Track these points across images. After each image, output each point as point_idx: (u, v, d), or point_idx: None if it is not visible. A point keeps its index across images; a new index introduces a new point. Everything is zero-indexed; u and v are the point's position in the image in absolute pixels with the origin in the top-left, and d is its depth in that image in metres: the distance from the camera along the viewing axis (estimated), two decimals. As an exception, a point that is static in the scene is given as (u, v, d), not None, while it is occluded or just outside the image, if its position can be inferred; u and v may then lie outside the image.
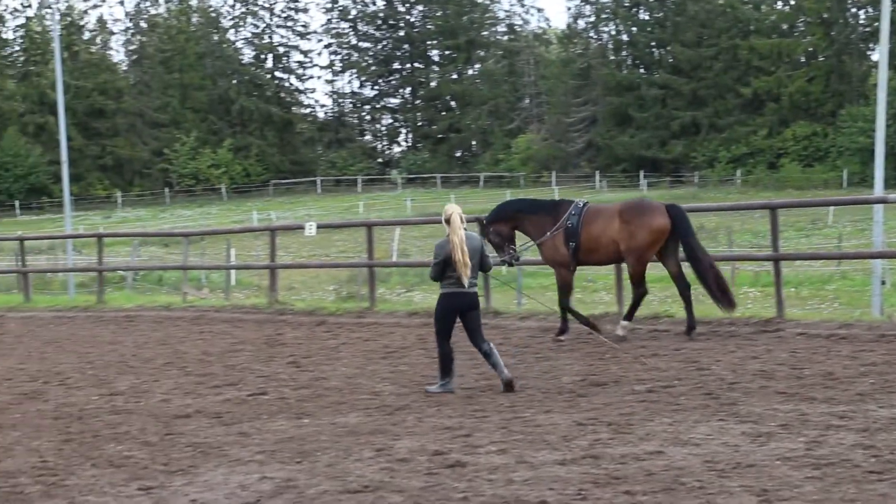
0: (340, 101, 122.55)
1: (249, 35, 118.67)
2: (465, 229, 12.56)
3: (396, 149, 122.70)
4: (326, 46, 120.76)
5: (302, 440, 10.07)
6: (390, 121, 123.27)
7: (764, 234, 40.19)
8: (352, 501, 7.99)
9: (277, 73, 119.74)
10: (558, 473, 8.47)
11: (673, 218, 15.84)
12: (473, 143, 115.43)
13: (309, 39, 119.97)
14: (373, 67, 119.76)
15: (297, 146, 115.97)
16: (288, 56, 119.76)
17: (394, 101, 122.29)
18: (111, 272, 36.84)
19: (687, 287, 16.11)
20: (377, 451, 9.49)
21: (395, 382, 13.12)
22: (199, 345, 17.76)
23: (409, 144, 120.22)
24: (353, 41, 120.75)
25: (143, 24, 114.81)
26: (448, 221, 12.44)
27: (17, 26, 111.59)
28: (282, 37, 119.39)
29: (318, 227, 23.52)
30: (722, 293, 15.82)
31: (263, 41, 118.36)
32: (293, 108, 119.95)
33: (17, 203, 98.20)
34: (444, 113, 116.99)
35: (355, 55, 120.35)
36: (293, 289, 35.79)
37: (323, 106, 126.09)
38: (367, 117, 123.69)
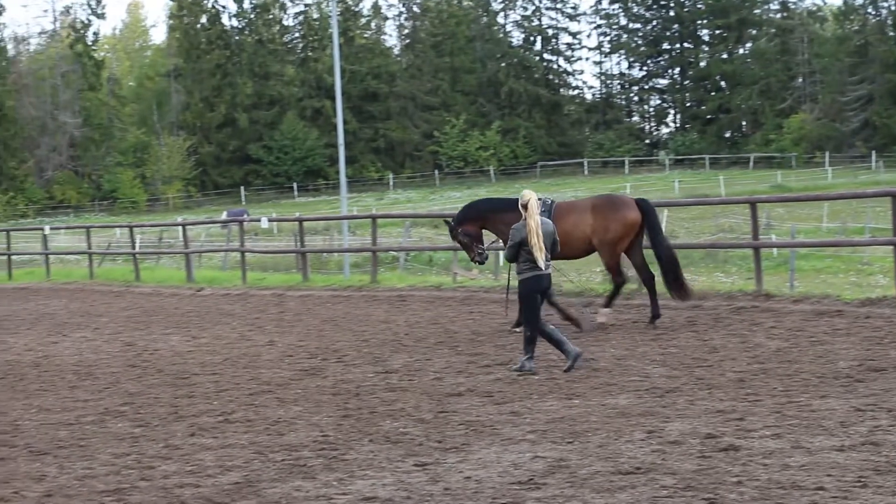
0: (608, 82, 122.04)
1: (519, 18, 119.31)
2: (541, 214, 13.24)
3: (664, 130, 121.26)
4: (595, 28, 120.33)
5: (573, 420, 10.12)
6: (658, 102, 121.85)
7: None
8: (623, 482, 7.98)
9: (546, 55, 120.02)
10: (836, 460, 8.25)
11: (643, 212, 16.50)
12: (743, 123, 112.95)
13: (578, 21, 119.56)
14: (642, 48, 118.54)
15: (564, 128, 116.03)
16: (556, 38, 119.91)
17: (662, 82, 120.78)
18: (384, 252, 37.75)
19: (651, 277, 16.87)
20: (648, 432, 9.46)
21: (665, 364, 13.01)
22: (469, 325, 18.01)
23: (678, 125, 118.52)
24: (623, 22, 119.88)
25: (416, 9, 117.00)
26: (525, 207, 13.06)
27: (297, 13, 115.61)
28: (551, 19, 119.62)
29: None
30: (677, 284, 16.46)
31: (532, 23, 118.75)
32: (561, 90, 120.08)
33: (294, 185, 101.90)
34: (713, 93, 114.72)
35: (624, 36, 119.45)
36: (560, 269, 35.80)
37: (591, 87, 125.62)
38: (635, 98, 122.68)
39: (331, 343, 16.49)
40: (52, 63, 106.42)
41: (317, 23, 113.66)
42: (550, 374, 12.75)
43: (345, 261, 36.35)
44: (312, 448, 9.48)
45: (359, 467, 8.78)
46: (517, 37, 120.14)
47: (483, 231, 17.82)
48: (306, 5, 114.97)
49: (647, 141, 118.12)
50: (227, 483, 8.41)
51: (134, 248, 37.65)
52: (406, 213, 51.68)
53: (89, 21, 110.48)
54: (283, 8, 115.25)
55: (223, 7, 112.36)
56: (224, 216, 62.42)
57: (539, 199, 15.28)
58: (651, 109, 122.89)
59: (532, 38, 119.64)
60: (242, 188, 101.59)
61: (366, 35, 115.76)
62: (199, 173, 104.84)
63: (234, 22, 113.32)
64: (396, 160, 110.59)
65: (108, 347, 17.33)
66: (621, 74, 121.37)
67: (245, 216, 40.30)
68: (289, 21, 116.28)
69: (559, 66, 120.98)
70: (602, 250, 16.93)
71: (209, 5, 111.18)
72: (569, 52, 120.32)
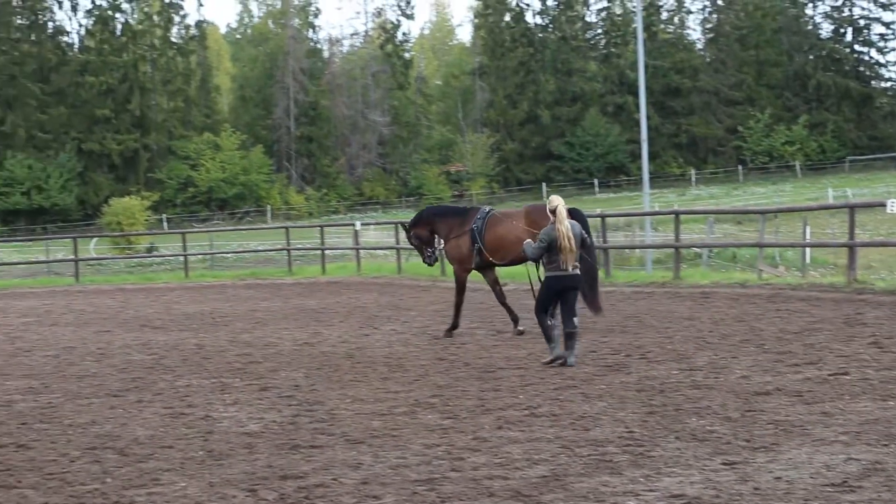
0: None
1: (828, 9, 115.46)
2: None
3: None
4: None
5: (888, 423, 9.77)
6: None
7: None
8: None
9: (856, 47, 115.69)
10: None
11: (575, 220, 15.99)
12: None
13: (892, 10, 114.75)
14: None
15: (875, 121, 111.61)
16: (868, 28, 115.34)
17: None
18: (686, 249, 37.34)
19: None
20: (970, 440, 9.03)
21: None
22: (775, 322, 17.63)
23: None
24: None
25: (721, 2, 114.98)
26: (553, 212, 14.06)
27: (600, 10, 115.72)
28: (862, 9, 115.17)
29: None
30: (593, 296, 16.93)
31: (843, 14, 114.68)
32: (872, 83, 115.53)
33: (596, 181, 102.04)
34: None
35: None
36: (871, 267, 34.57)
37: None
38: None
39: (634, 339, 16.46)
40: (363, 63, 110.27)
41: (619, 18, 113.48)
42: (863, 374, 12.34)
43: (647, 257, 36.17)
44: (618, 444, 9.51)
45: (665, 464, 8.75)
46: (826, 28, 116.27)
47: (434, 235, 19.30)
48: (609, 1, 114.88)
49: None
50: (534, 476, 8.54)
51: (437, 244, 38.50)
52: (709, 210, 50.91)
53: (399, 22, 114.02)
54: (585, 4, 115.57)
55: (527, 5, 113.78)
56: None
57: (479, 209, 18.71)
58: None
59: (842, 30, 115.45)
60: (544, 184, 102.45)
61: (669, 30, 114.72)
62: (501, 170, 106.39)
63: (538, 19, 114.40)
64: (699, 156, 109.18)
65: (417, 340, 17.85)
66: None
67: (547, 212, 40.49)
68: (591, 17, 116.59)
69: (871, 57, 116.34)
70: None
71: (513, 4, 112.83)
72: (881, 43, 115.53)
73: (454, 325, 18.38)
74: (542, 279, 14.40)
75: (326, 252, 41.44)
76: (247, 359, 16.25)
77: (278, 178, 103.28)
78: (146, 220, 79.81)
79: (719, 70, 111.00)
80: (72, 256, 43.07)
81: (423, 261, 19.79)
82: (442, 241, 19.27)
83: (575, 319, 14.03)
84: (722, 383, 12.30)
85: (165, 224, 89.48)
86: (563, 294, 14.10)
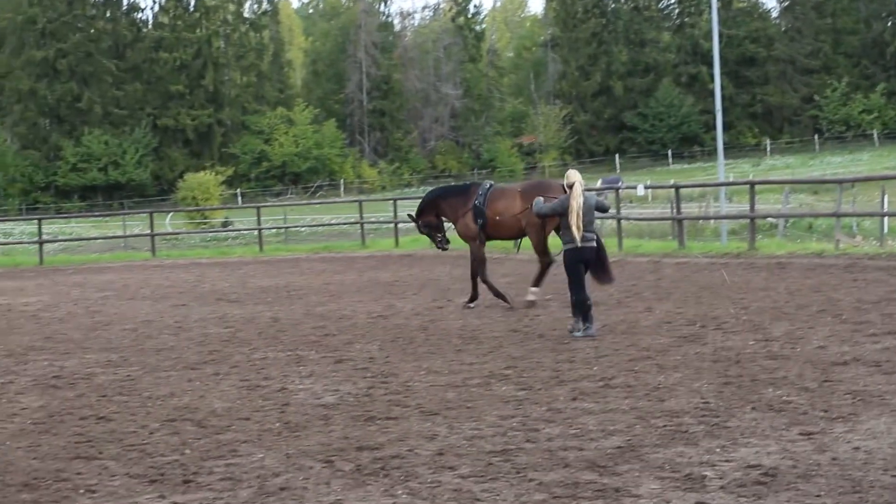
0: None
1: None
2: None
3: None
4: None
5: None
6: None
7: None
8: None
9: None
10: None
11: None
12: None
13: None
14: None
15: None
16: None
17: None
18: (762, 219, 36.98)
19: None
20: None
21: None
22: (853, 292, 17.45)
23: None
24: None
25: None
26: (570, 187, 14.52)
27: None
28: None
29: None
30: (603, 269, 15.99)
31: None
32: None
33: (669, 152, 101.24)
34: None
35: None
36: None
37: None
38: None
39: (709, 310, 16.37)
40: (434, 36, 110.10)
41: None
42: (943, 345, 12.18)
43: (722, 228, 35.88)
44: (694, 415, 9.47)
45: (741, 435, 8.70)
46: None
47: (442, 218, 19.62)
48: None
49: None
50: (609, 447, 8.53)
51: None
52: (785, 179, 50.38)
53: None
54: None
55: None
56: (599, 184, 62.78)
57: (480, 185, 18.99)
58: None
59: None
60: (617, 156, 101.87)
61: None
62: (574, 142, 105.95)
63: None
64: (774, 125, 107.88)
65: (490, 312, 17.87)
66: None
67: (620, 183, 40.44)
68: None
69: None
70: (529, 230, 18.30)
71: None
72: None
73: (474, 297, 18.77)
74: (563, 253, 14.77)
75: (399, 225, 41.52)
76: (322, 331, 16.37)
77: (351, 151, 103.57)
78: (220, 195, 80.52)
79: (795, 38, 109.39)
80: (148, 231, 43.53)
81: (437, 247, 20.30)
82: (452, 223, 19.62)
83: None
84: (799, 354, 12.21)
85: (240, 198, 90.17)
86: (587, 266, 14.69)
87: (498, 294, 18.43)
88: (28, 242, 48.57)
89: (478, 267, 18.79)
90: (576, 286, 14.44)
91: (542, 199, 15.74)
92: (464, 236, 19.27)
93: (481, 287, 18.91)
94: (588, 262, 14.63)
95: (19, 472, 8.58)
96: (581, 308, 14.40)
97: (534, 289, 18.28)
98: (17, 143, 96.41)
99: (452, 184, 23.09)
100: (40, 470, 8.64)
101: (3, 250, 47.93)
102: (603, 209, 15.32)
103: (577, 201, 14.37)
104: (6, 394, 12.10)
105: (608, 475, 7.75)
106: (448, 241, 20.19)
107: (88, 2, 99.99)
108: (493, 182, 19.71)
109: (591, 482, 7.61)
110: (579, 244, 14.42)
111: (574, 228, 14.35)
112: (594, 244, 14.66)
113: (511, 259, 29.34)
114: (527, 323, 16.18)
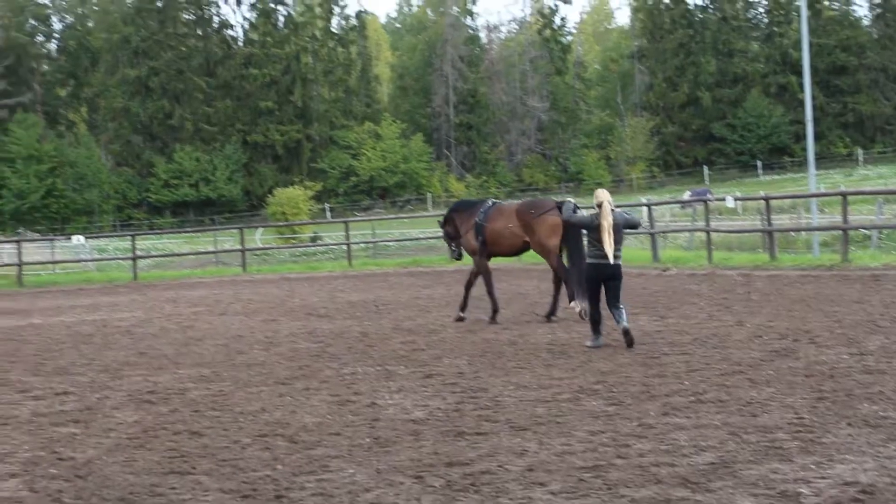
0: None
1: None
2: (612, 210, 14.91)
3: None
4: None
5: None
6: None
7: None
8: None
9: None
10: None
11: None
12: None
13: None
14: None
15: None
16: None
17: None
18: (855, 231, 36.44)
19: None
20: None
21: None
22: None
23: None
24: None
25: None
26: (599, 206, 14.82)
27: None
28: None
29: None
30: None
31: None
32: None
33: (759, 163, 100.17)
34: None
35: None
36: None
37: None
38: None
39: (801, 323, 16.15)
40: (521, 49, 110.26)
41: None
42: None
43: (813, 240, 35.43)
44: (787, 430, 9.34)
45: (837, 451, 8.56)
46: None
47: (458, 228, 20.04)
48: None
49: None
50: (702, 463, 8.44)
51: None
52: (879, 190, 49.50)
53: (557, 6, 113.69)
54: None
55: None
56: (687, 195, 62.38)
57: (485, 202, 19.87)
58: None
59: None
60: (705, 167, 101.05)
61: (834, 7, 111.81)
62: (662, 153, 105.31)
63: (698, 0, 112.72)
64: (866, 135, 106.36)
65: (579, 327, 17.77)
66: None
67: (709, 195, 40.09)
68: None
69: None
70: (535, 249, 19.12)
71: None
72: None
73: (495, 309, 19.35)
74: (586, 266, 15.44)
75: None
76: (411, 346, 16.41)
77: (438, 165, 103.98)
78: (309, 210, 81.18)
79: (887, 47, 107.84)
80: (238, 246, 44.03)
81: (453, 255, 20.92)
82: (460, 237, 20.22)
83: (620, 313, 14.82)
84: (895, 368, 11.99)
85: (328, 213, 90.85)
86: (606, 283, 14.97)
87: (464, 306, 19.52)
88: (122, 258, 49.34)
89: (484, 279, 19.57)
90: (591, 300, 15.18)
91: (572, 203, 16.53)
92: (467, 250, 20.06)
93: (482, 294, 20.03)
94: (608, 279, 14.97)
95: (115, 487, 8.69)
96: (591, 320, 15.26)
97: (573, 303, 18.29)
98: (112, 161, 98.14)
99: (470, 198, 24.29)
100: (136, 485, 8.74)
101: (98, 266, 48.76)
102: (634, 226, 15.91)
103: (607, 220, 14.76)
104: (102, 409, 12.28)
105: (701, 492, 7.67)
106: (461, 253, 20.70)
107: (180, 20, 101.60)
108: (496, 200, 20.76)
109: (683, 499, 7.53)
110: (612, 262, 14.82)
111: (607, 246, 14.74)
112: (619, 264, 15.03)
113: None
114: (616, 337, 16.07)
